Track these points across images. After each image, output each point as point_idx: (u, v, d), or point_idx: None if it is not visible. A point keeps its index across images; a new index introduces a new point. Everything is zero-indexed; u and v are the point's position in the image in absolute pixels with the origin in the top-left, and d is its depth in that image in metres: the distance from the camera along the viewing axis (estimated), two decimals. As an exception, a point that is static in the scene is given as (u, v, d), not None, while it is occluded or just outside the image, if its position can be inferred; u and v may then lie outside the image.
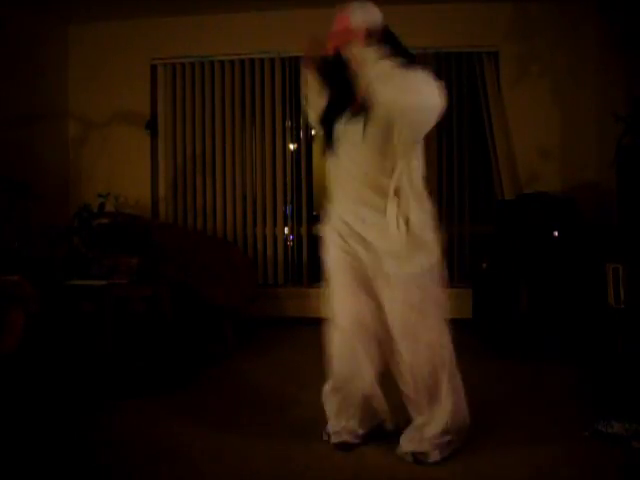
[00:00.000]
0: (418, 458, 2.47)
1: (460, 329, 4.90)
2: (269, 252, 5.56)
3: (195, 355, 4.11)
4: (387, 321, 2.50)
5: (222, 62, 5.56)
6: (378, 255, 2.47)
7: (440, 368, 2.49)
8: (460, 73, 5.35)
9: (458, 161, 5.36)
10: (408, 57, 2.48)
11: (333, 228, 2.61)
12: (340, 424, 2.66)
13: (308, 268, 5.50)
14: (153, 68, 5.68)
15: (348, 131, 2.53)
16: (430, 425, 2.49)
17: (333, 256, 2.60)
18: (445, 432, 2.48)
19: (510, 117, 5.23)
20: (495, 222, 4.73)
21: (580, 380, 3.51)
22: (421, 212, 2.49)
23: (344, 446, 2.61)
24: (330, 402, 2.70)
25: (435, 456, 2.46)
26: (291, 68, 5.50)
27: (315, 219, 5.42)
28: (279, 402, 3.20)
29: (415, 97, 2.31)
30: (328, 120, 2.61)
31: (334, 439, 2.65)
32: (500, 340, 4.31)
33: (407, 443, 2.52)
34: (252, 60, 5.54)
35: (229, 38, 5.44)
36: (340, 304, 2.58)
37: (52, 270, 4.16)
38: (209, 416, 2.97)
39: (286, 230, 5.62)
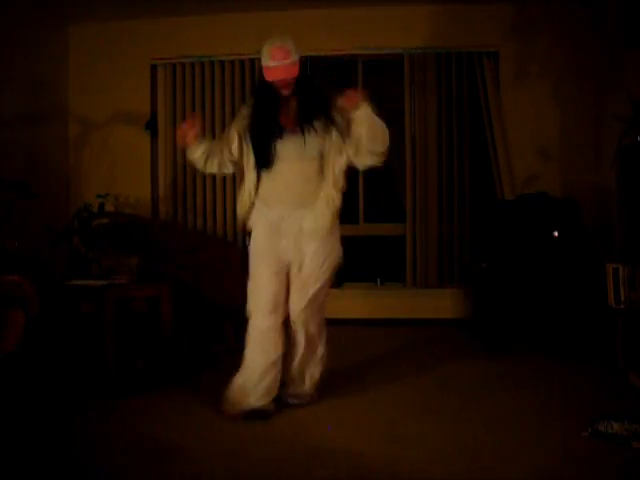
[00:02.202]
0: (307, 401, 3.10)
1: (460, 329, 4.99)
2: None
3: (195, 355, 4.10)
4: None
5: (222, 62, 5.57)
6: (305, 241, 2.92)
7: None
8: (460, 73, 5.35)
9: (458, 161, 5.36)
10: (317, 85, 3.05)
11: (263, 224, 2.97)
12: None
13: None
14: (153, 68, 5.68)
15: (289, 147, 2.84)
16: (315, 373, 3.11)
17: (261, 244, 2.99)
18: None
19: (510, 117, 5.24)
20: (495, 222, 4.74)
21: (580, 380, 3.51)
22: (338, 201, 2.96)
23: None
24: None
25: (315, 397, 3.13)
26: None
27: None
28: (279, 401, 3.19)
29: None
30: (262, 140, 2.86)
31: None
32: (500, 340, 4.32)
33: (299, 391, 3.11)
34: (252, 60, 5.52)
35: (229, 38, 5.44)
36: (262, 282, 3.01)
37: (52, 270, 4.16)
38: (209, 416, 2.97)
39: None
